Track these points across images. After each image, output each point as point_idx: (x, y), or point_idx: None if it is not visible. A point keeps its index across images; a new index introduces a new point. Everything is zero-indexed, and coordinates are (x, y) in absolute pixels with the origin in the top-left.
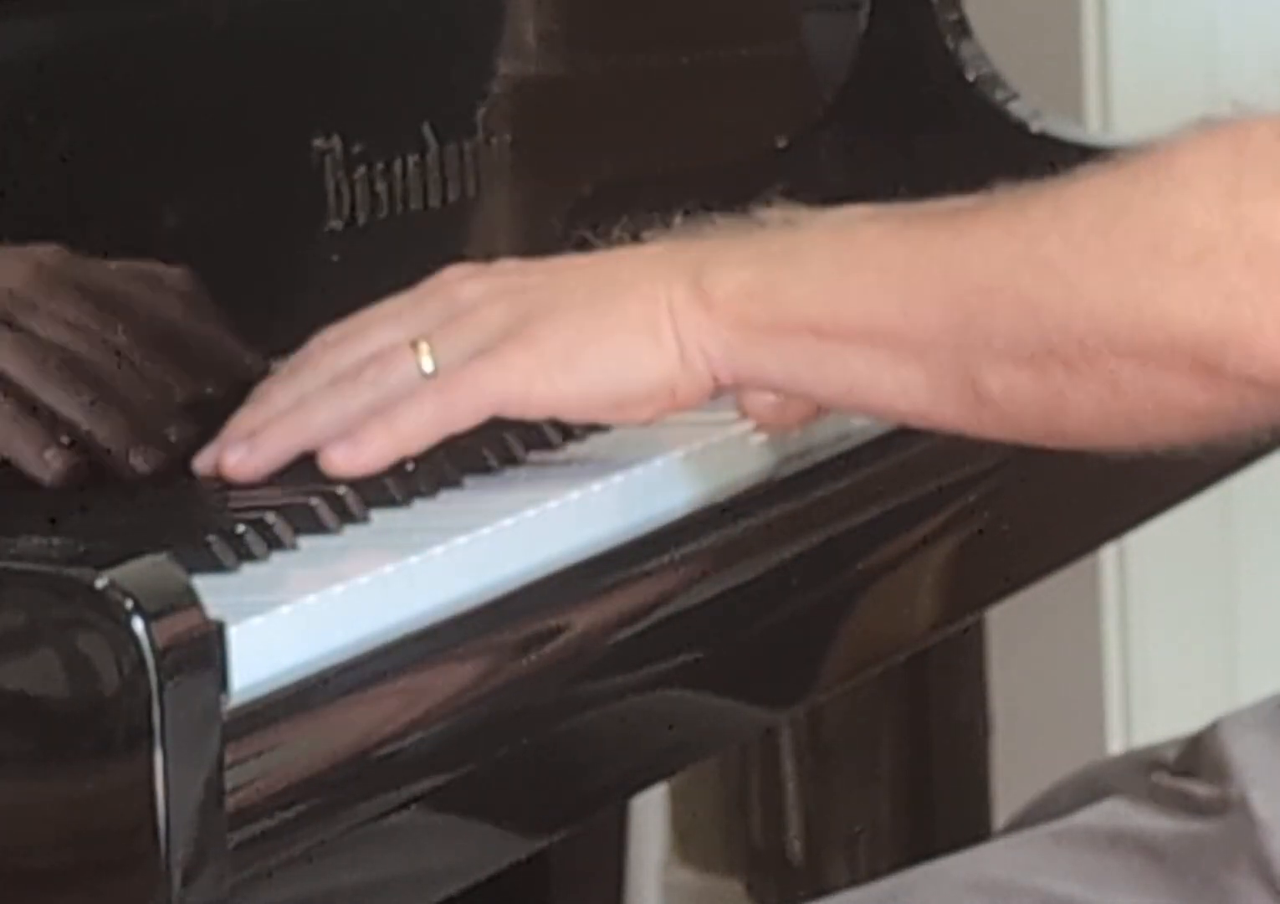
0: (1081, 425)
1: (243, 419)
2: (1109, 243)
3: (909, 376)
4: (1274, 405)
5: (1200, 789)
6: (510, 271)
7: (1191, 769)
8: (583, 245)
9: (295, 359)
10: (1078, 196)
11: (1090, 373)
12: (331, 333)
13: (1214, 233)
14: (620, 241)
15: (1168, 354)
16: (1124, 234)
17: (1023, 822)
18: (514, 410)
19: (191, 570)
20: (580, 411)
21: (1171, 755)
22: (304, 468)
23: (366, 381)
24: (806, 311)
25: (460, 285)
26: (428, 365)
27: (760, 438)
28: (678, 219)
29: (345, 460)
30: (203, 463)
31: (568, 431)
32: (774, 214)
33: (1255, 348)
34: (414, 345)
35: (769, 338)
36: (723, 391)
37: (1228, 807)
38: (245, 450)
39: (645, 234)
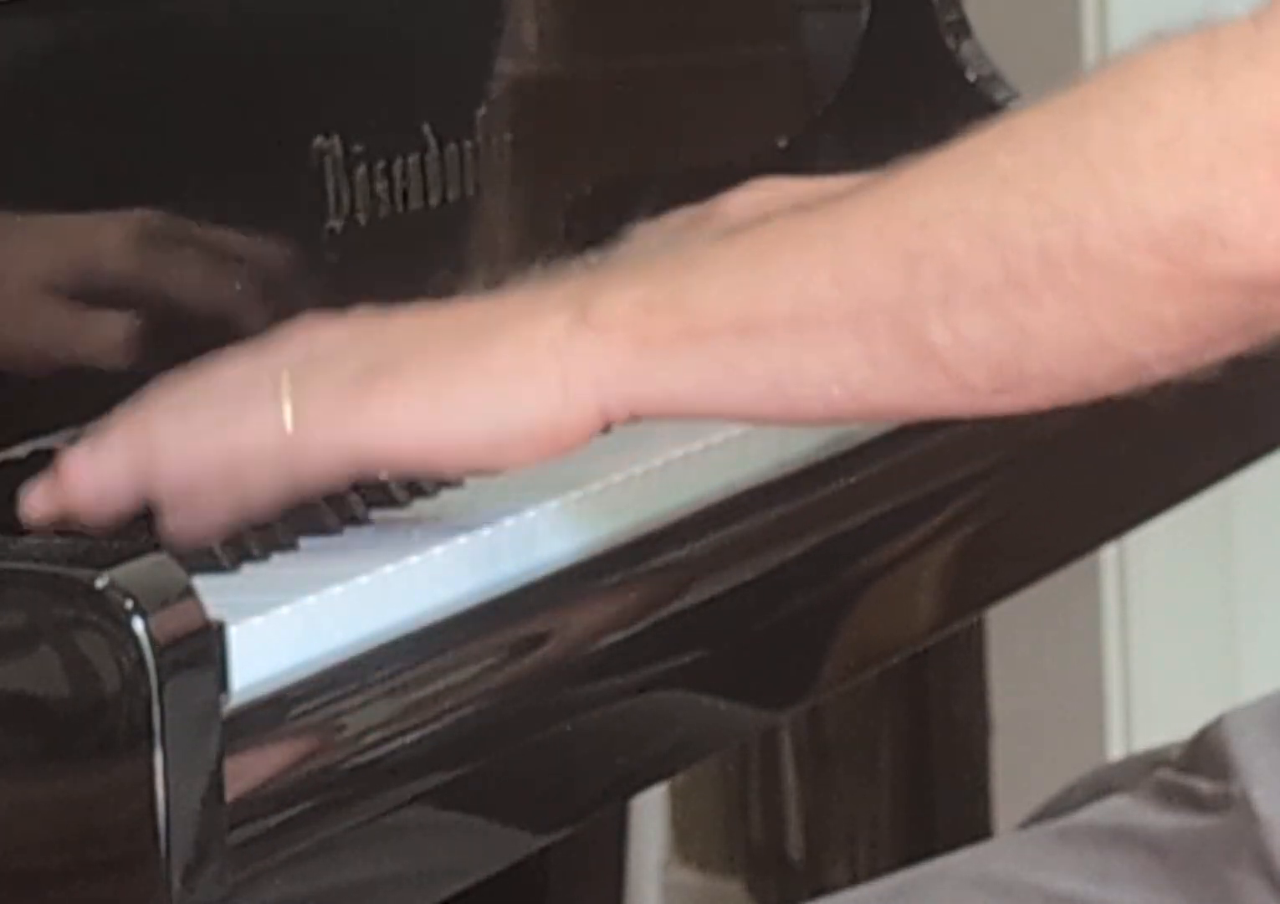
0: (1043, 364)
1: (86, 452)
2: (1070, 142)
3: (844, 354)
4: (1244, 316)
5: (1203, 785)
6: (372, 318)
7: (1194, 765)
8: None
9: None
10: (1027, 114)
11: (1051, 295)
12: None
13: (1185, 113)
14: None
15: (1141, 252)
16: (1085, 131)
17: (1030, 825)
18: (378, 462)
19: (191, 570)
20: (454, 458)
21: (1175, 754)
22: None
23: (218, 417)
24: (721, 310)
25: (318, 330)
26: (289, 417)
27: (762, 437)
28: (536, 265)
29: (179, 530)
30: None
31: None
32: (649, 239)
33: (1231, 232)
34: (276, 394)
35: (677, 351)
36: (611, 427)
37: (1230, 803)
38: (93, 491)
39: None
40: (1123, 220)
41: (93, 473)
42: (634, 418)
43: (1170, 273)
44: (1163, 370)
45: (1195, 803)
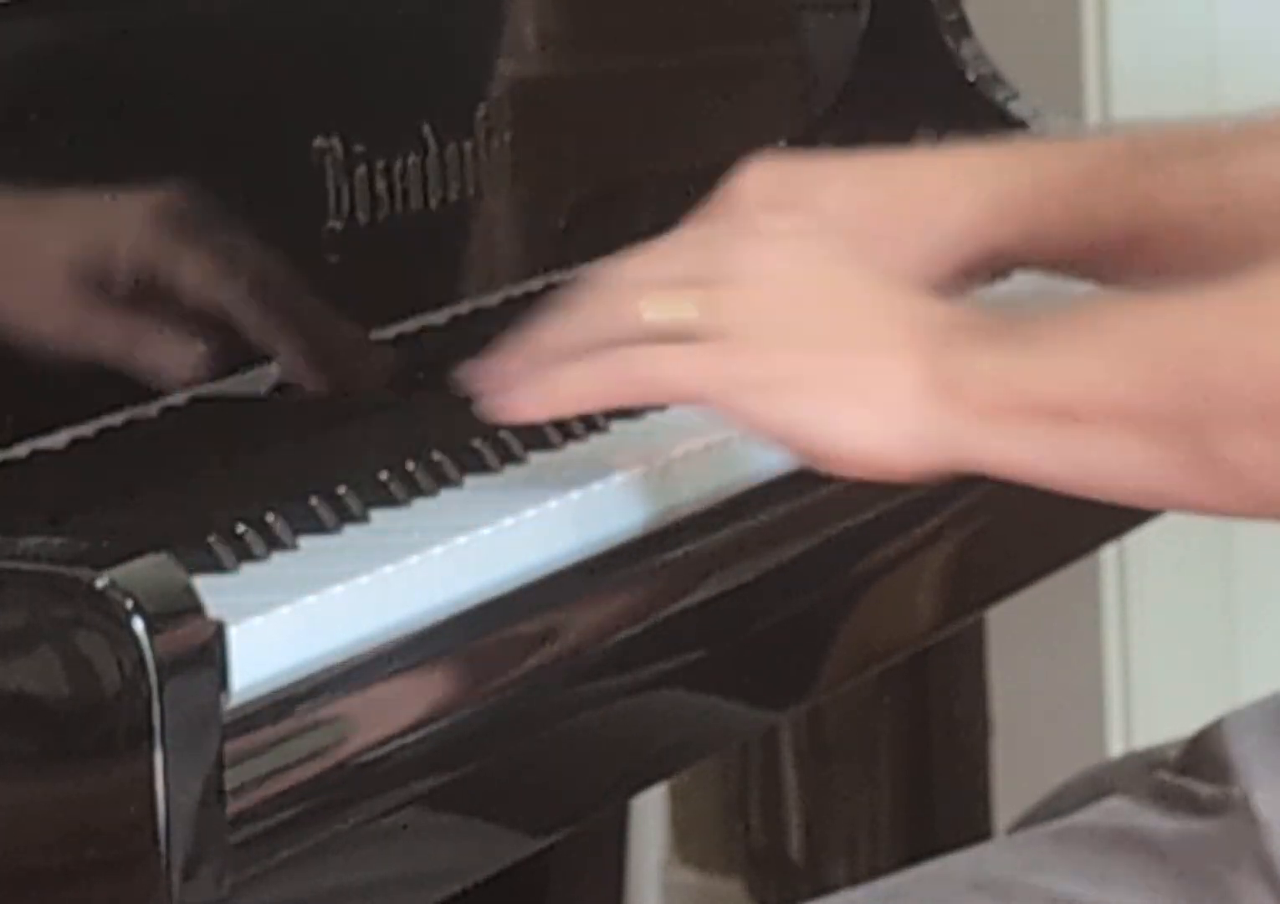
0: None
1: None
2: None
3: (1152, 455)
4: None
5: (1202, 788)
6: (793, 248)
7: (1193, 768)
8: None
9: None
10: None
11: None
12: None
13: None
14: None
15: None
16: None
17: (1026, 824)
18: (714, 407)
19: (192, 570)
20: (776, 440)
21: (1174, 755)
22: (304, 467)
23: (586, 316)
24: (1048, 392)
25: (740, 243)
26: (660, 319)
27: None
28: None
29: (498, 410)
30: (469, 375)
31: (568, 431)
32: (1038, 303)
33: None
34: (655, 298)
35: (1010, 423)
36: (941, 472)
37: (1230, 806)
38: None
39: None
40: None
41: (513, 411)
42: (963, 469)
43: None
44: None
45: (1194, 806)
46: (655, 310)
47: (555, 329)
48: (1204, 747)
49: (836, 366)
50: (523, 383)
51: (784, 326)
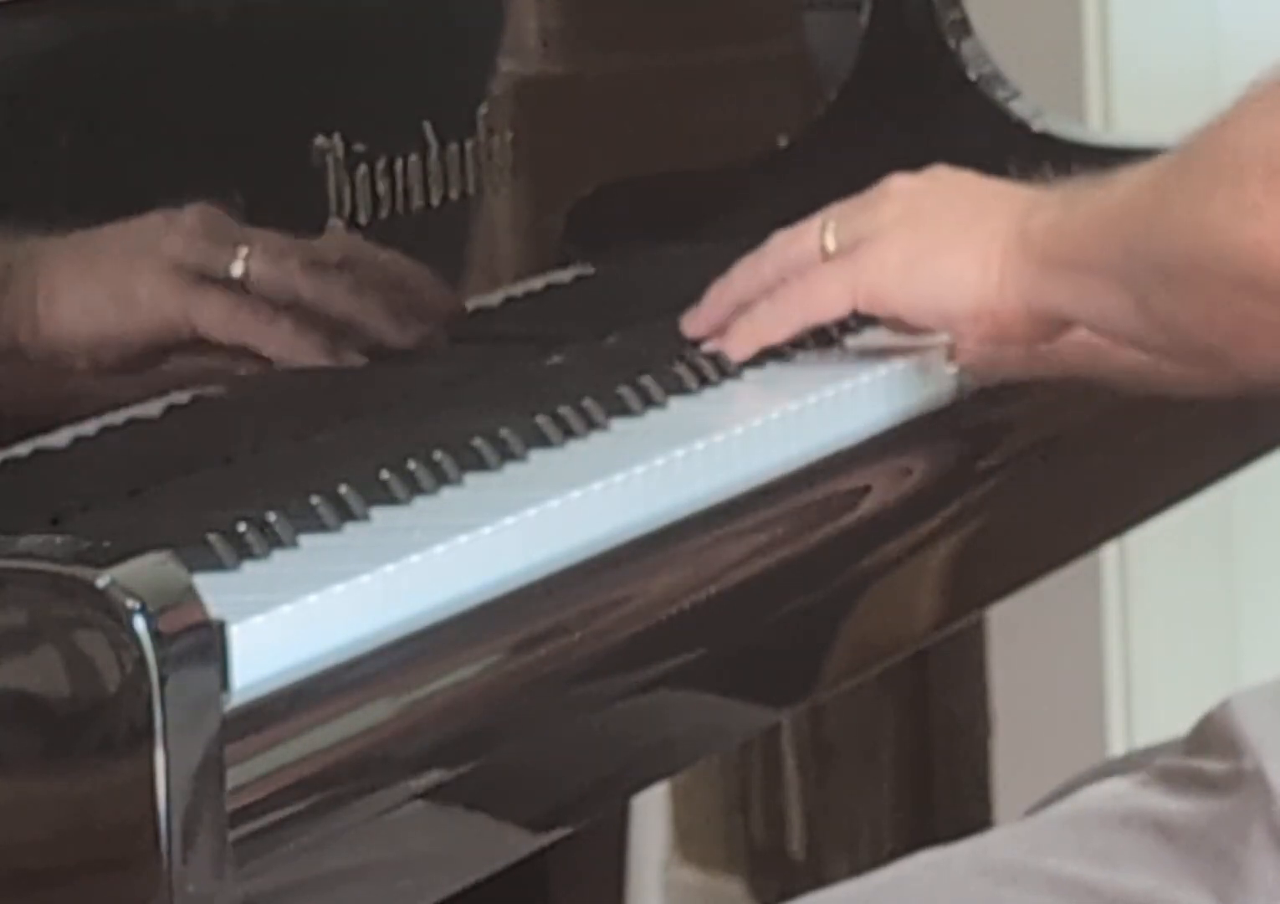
0: (1217, 344)
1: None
2: (1199, 167)
3: (1120, 302)
4: None
5: (1212, 765)
6: (938, 176)
7: (1201, 747)
8: None
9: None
10: (1207, 127)
11: (1197, 294)
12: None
13: (1246, 149)
14: None
15: (1231, 273)
16: (1213, 162)
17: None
18: (863, 304)
19: (193, 569)
20: (911, 316)
21: (1177, 745)
22: (305, 466)
23: (777, 253)
24: (1072, 248)
25: (890, 179)
26: (829, 242)
27: (760, 438)
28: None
29: (714, 345)
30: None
31: (569, 430)
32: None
33: (1274, 260)
34: (824, 222)
35: (1057, 270)
36: (1044, 323)
37: (1241, 781)
38: (699, 311)
39: None
40: (1208, 242)
41: (701, 322)
42: (1052, 316)
43: (1250, 286)
44: None
45: (1203, 783)
46: (827, 236)
47: (741, 275)
48: (1212, 726)
49: (958, 238)
50: (727, 327)
51: (915, 219)
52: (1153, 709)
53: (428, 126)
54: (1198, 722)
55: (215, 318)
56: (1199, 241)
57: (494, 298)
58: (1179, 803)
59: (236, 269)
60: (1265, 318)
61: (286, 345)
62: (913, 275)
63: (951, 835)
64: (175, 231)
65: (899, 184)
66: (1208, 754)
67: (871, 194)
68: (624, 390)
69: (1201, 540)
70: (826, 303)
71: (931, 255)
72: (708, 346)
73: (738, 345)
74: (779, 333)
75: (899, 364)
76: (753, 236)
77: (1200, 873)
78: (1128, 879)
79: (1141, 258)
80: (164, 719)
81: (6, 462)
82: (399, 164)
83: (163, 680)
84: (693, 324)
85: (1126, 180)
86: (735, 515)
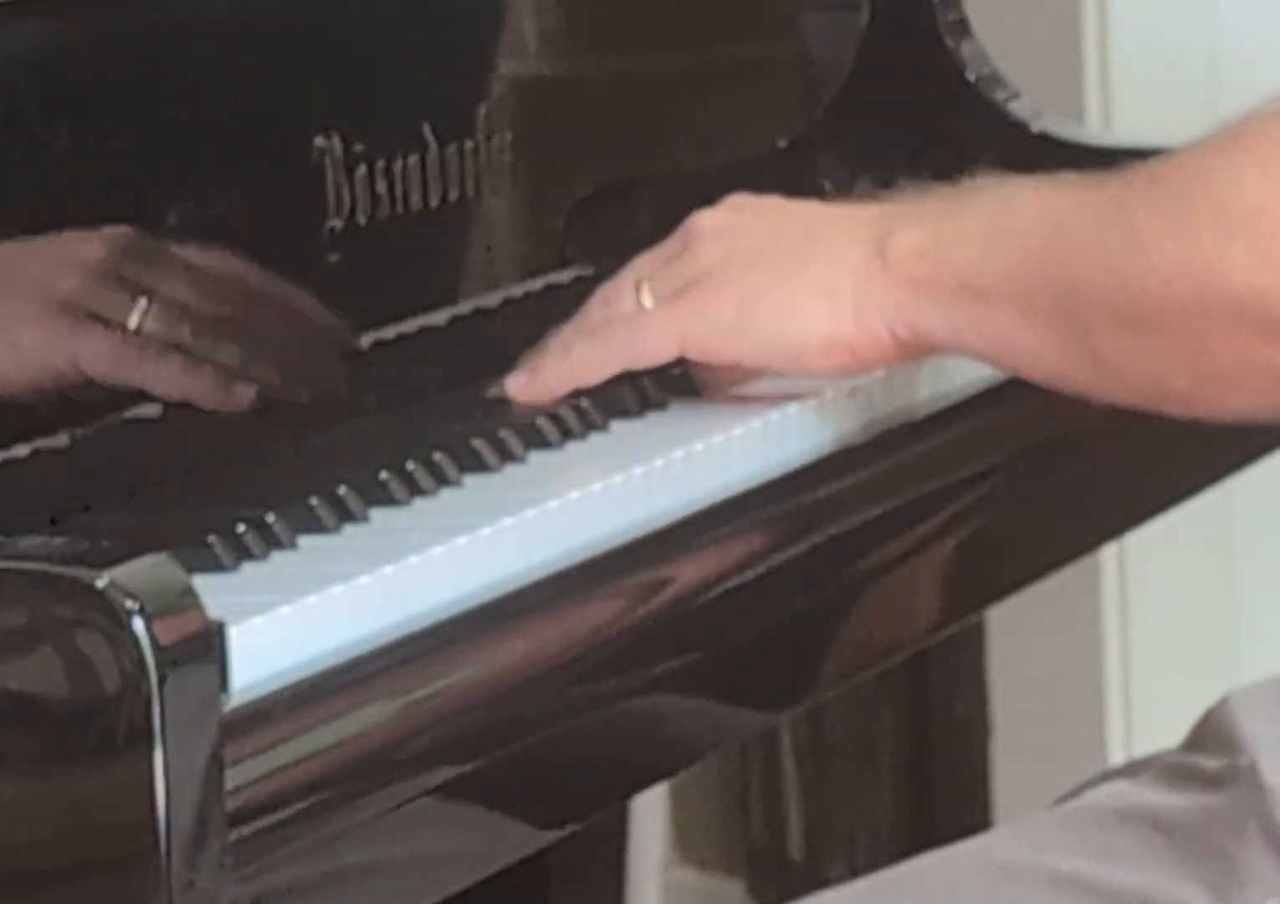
0: (1183, 387)
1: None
2: (1181, 207)
3: (1044, 337)
4: None
5: (1209, 762)
6: (745, 207)
7: (1199, 745)
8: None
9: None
10: (1170, 163)
11: (1178, 335)
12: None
13: (1266, 193)
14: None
15: (1235, 315)
16: (1193, 198)
17: None
18: (694, 352)
19: (192, 570)
20: (754, 359)
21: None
22: (304, 467)
23: (594, 315)
24: (961, 271)
25: (696, 218)
26: (646, 299)
27: (759, 439)
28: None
29: (518, 388)
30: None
31: (568, 431)
32: (977, 182)
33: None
34: (638, 284)
35: (934, 295)
36: (909, 350)
37: (1237, 777)
38: (526, 377)
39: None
40: (1213, 289)
41: (530, 393)
42: (921, 345)
43: (1263, 331)
44: None
45: (1201, 780)
46: (644, 295)
47: (566, 327)
48: (1209, 723)
49: (792, 271)
50: (538, 363)
51: (740, 260)
52: (1152, 710)
53: (427, 127)
54: (1198, 718)
55: (101, 358)
56: (1198, 286)
57: (493, 299)
58: (1176, 799)
59: (133, 320)
60: (1266, 362)
61: (176, 387)
62: (751, 317)
63: (951, 836)
64: (77, 268)
65: (708, 224)
66: (1205, 750)
67: (677, 241)
68: (623, 392)
69: (1201, 541)
70: (649, 350)
71: (769, 293)
72: (516, 386)
73: (548, 385)
74: (595, 375)
75: None
76: None
77: (1196, 869)
78: (1125, 875)
79: (1092, 295)
80: (163, 720)
81: (6, 462)
82: (398, 165)
83: (162, 681)
84: (514, 388)
85: (1036, 201)
86: (735, 516)
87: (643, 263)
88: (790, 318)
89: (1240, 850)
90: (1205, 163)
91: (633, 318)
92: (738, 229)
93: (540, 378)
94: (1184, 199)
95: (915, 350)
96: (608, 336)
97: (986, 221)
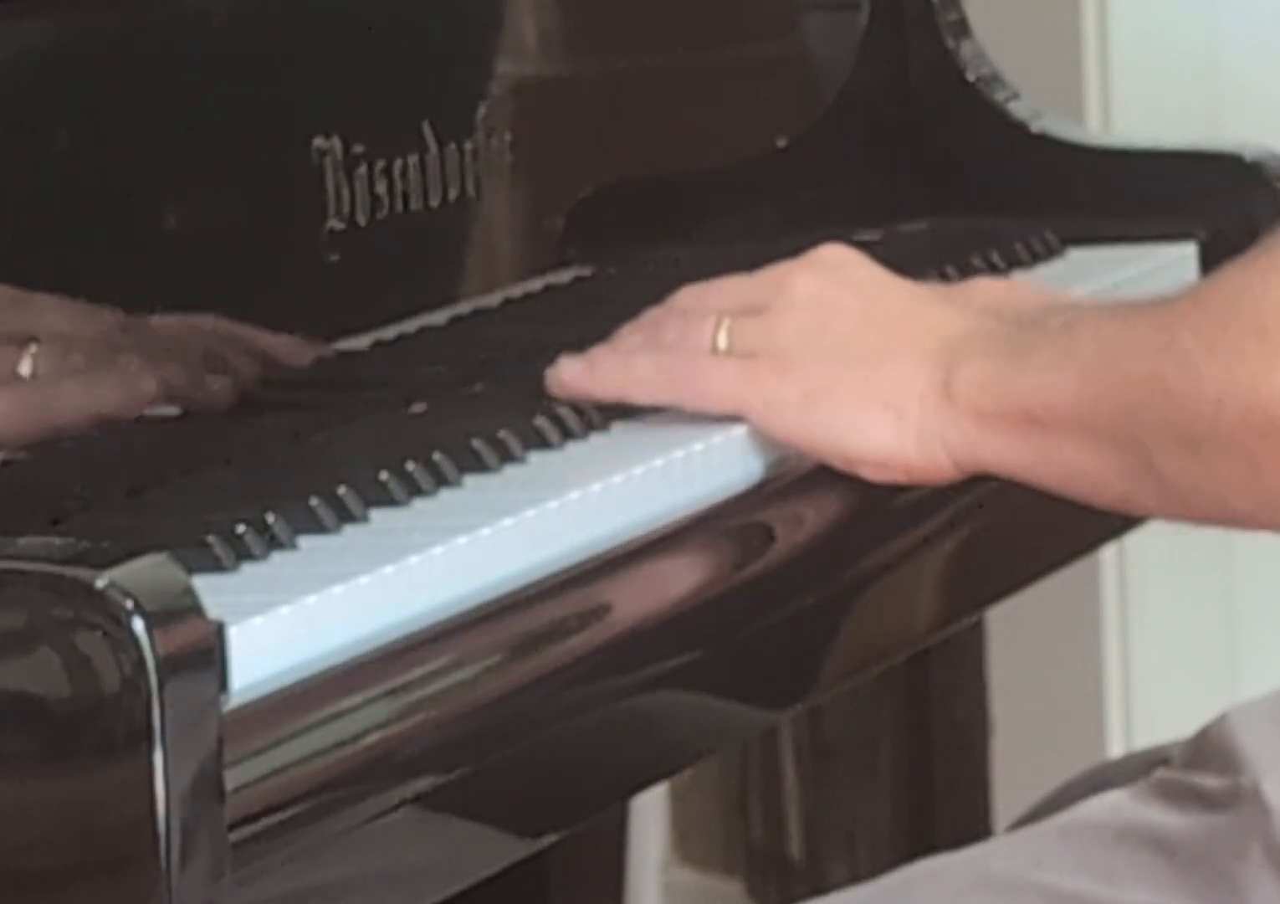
0: (1246, 508)
1: (595, 350)
2: (1224, 329)
3: (1108, 464)
4: None
5: (1209, 781)
6: (843, 275)
7: (1199, 763)
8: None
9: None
10: (1213, 284)
11: (1234, 455)
12: (693, 286)
13: None
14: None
15: None
16: (1238, 318)
17: (1027, 823)
18: (751, 419)
19: (191, 570)
20: (809, 451)
21: (1177, 753)
22: (304, 467)
23: (665, 337)
24: (1026, 403)
25: (795, 274)
26: (722, 342)
27: (758, 439)
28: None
29: (572, 376)
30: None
31: (568, 431)
32: (1045, 301)
33: None
34: (719, 321)
35: (999, 427)
36: (968, 474)
37: (1239, 797)
38: (585, 367)
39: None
40: (1265, 406)
41: (585, 387)
42: (983, 471)
43: None
44: None
45: (1201, 799)
46: (720, 336)
47: (632, 333)
48: (1209, 741)
49: (863, 377)
50: (598, 361)
51: (820, 345)
52: (1152, 710)
53: (427, 127)
54: (1195, 735)
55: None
56: (1245, 408)
57: (493, 299)
58: (1177, 818)
59: (24, 368)
60: None
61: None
62: (812, 413)
63: (951, 837)
64: None
65: (805, 289)
66: (1205, 769)
67: (769, 288)
68: None
69: (1201, 542)
70: (707, 401)
71: (834, 394)
72: (571, 373)
73: (602, 388)
74: (648, 398)
75: None
76: (752, 237)
77: (1198, 890)
78: (1126, 895)
79: (1150, 420)
80: (163, 720)
81: (6, 462)
82: (398, 165)
83: (161, 682)
84: (568, 375)
85: (1095, 329)
86: (734, 516)
87: (729, 294)
88: (851, 427)
89: (1243, 872)
90: (1246, 282)
91: (702, 363)
92: (829, 305)
93: (595, 378)
94: (1226, 321)
95: (974, 474)
96: (674, 370)
97: (1048, 352)
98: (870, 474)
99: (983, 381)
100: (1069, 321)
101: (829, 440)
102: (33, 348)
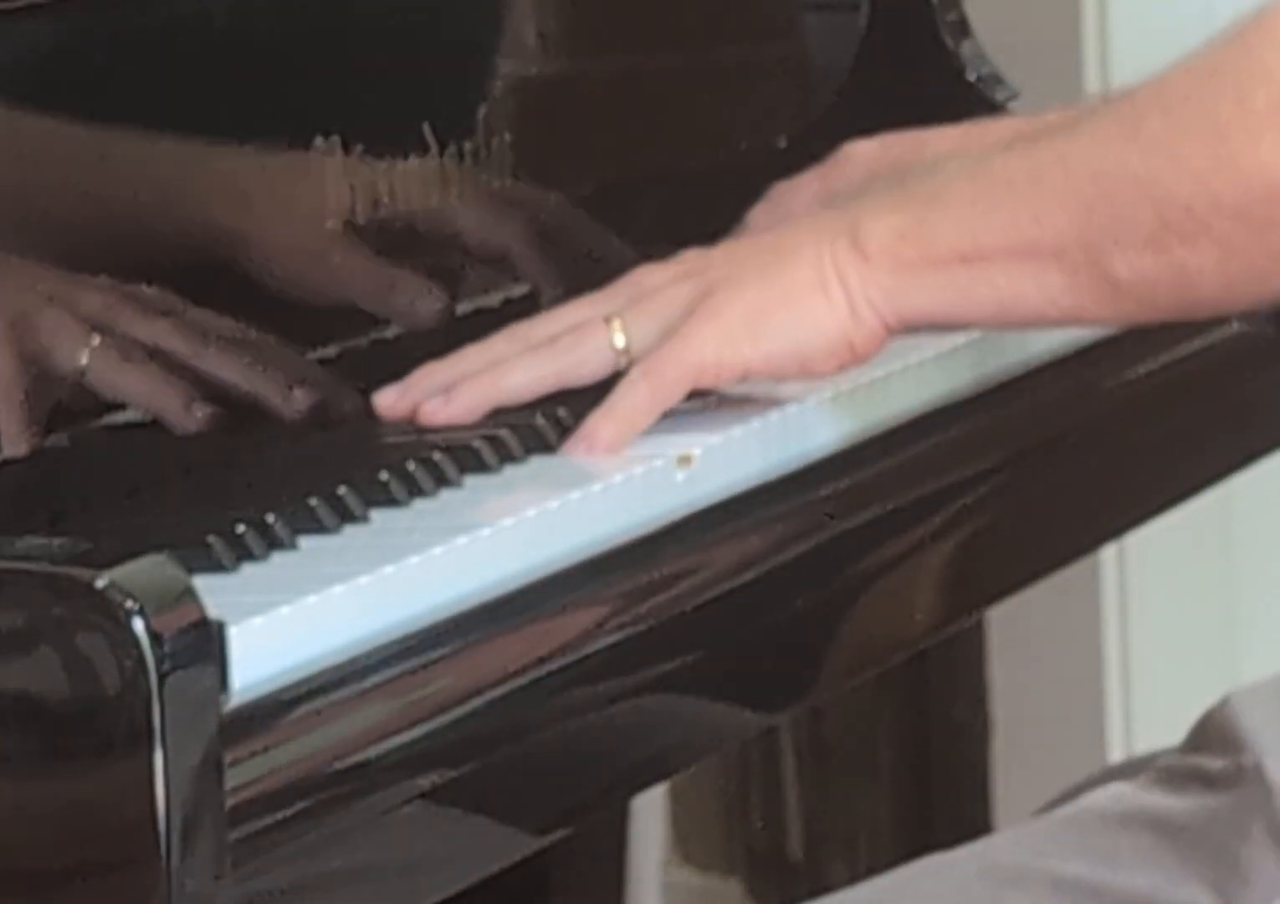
0: (1209, 292)
1: (433, 372)
2: (1202, 105)
3: (1050, 281)
4: None
5: (1211, 763)
6: (690, 258)
7: (1202, 746)
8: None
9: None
10: (1177, 72)
11: (1203, 239)
12: (523, 322)
13: None
14: None
15: (1266, 206)
16: (1214, 94)
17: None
18: (709, 380)
19: (192, 570)
20: (766, 372)
21: (1179, 742)
22: (304, 467)
23: (561, 348)
24: (950, 241)
25: (646, 274)
26: (619, 341)
27: (758, 439)
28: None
29: (584, 450)
30: (385, 404)
31: (567, 432)
32: (921, 166)
33: None
34: (607, 320)
35: (922, 274)
36: (894, 336)
37: (1241, 777)
38: (441, 401)
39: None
40: (1246, 179)
41: (448, 416)
42: (910, 327)
43: None
44: None
45: (1203, 781)
46: (614, 332)
47: (520, 330)
48: (1211, 724)
49: (780, 276)
50: (592, 425)
51: (721, 287)
52: (1152, 709)
53: (427, 127)
54: (1198, 720)
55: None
56: (1231, 181)
57: (493, 298)
58: (1179, 801)
59: (82, 358)
60: None
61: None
62: (762, 328)
63: (951, 836)
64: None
65: (662, 273)
66: (1207, 752)
67: (628, 288)
68: None
69: (1201, 541)
70: (672, 393)
71: (770, 302)
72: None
73: (608, 448)
74: (640, 427)
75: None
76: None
77: (1201, 870)
78: (1129, 879)
79: (1107, 221)
80: (163, 720)
81: (6, 462)
82: (398, 164)
83: (162, 681)
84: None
85: (1017, 153)
86: (735, 516)
87: (601, 302)
88: (800, 322)
89: (1245, 851)
90: (1219, 61)
91: (654, 366)
92: (698, 266)
93: (613, 423)
94: (1203, 97)
95: (913, 330)
96: (633, 391)
97: (968, 188)
98: (822, 367)
99: (900, 230)
100: (976, 160)
101: (786, 348)
102: (95, 339)
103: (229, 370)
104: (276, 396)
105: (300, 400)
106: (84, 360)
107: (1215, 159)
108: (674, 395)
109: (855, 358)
